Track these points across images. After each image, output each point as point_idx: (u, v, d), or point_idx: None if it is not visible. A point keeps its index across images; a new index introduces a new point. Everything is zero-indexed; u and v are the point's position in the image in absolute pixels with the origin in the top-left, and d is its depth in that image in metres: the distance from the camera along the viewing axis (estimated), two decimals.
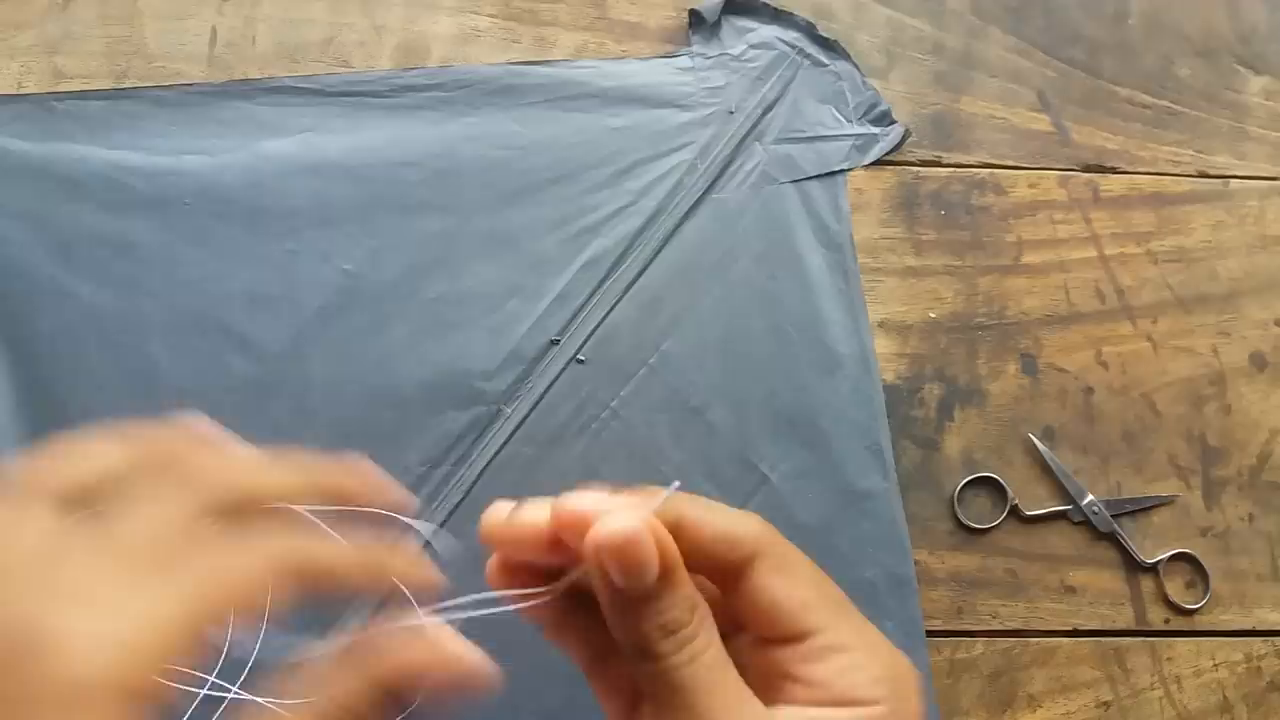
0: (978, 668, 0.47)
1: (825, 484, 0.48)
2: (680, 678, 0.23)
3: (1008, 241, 0.52)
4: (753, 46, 0.54)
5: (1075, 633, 0.49)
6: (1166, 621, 0.49)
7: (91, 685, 0.19)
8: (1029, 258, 0.52)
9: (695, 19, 0.53)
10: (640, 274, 0.50)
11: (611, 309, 0.49)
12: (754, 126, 0.52)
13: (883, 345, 0.50)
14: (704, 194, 0.51)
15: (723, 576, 0.25)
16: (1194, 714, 0.48)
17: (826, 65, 0.54)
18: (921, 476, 0.49)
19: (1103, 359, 0.51)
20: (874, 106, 0.53)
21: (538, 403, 0.48)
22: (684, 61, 0.53)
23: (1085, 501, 0.49)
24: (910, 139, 0.53)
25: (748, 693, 0.23)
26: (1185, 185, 0.54)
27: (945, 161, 0.53)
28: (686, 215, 0.51)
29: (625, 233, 0.50)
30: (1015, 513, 0.49)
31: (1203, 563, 0.49)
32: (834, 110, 0.53)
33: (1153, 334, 0.52)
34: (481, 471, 0.47)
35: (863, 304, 0.50)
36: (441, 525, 0.46)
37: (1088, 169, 0.54)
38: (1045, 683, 0.48)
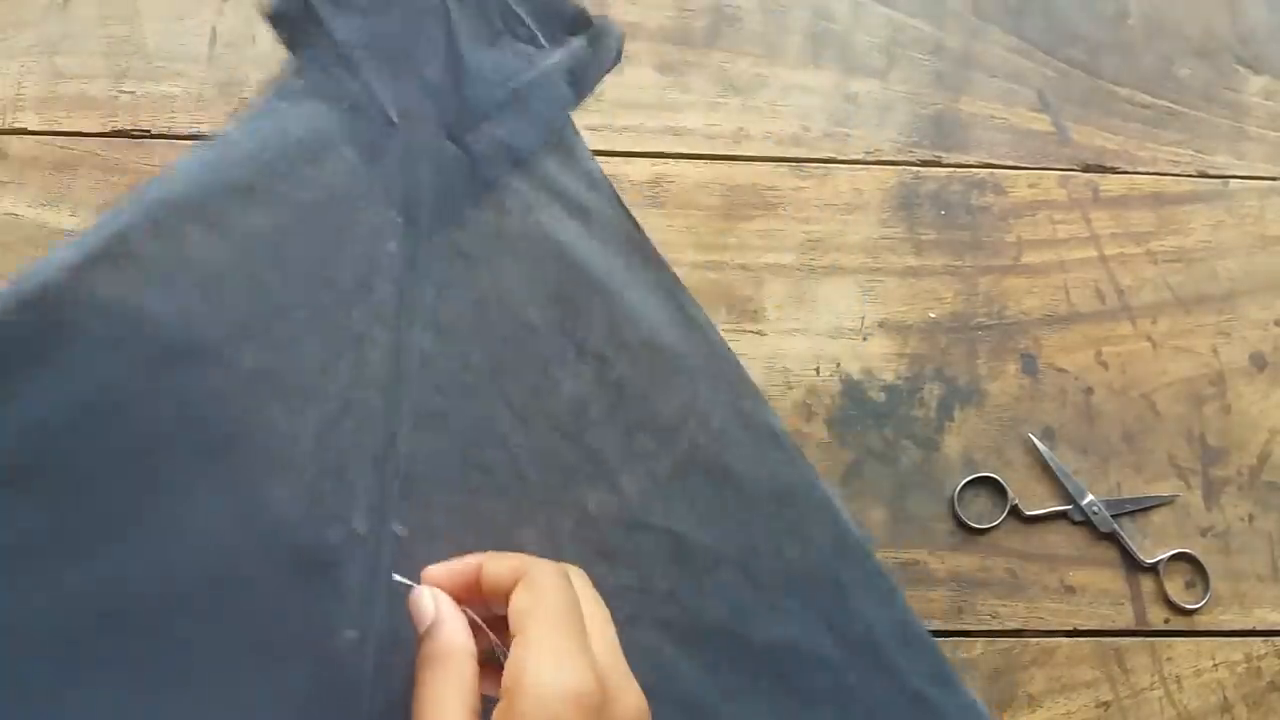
0: (977, 668, 0.47)
1: (868, 684, 0.44)
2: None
3: (1007, 241, 0.52)
4: (365, 14, 0.36)
5: (1075, 633, 0.49)
6: (1166, 621, 0.49)
7: None
8: (1029, 258, 0.52)
9: (277, 22, 0.38)
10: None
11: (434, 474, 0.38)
12: (432, 128, 0.35)
13: (883, 345, 0.50)
14: (429, 259, 0.36)
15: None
16: (1194, 714, 0.48)
17: None
18: (921, 476, 0.49)
19: (1103, 359, 0.51)
20: (558, 12, 0.36)
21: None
22: (297, 84, 0.37)
23: (1085, 501, 0.49)
24: (909, 139, 0.53)
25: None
26: (1185, 185, 0.54)
27: (945, 161, 0.53)
28: (438, 295, 0.36)
29: (375, 363, 0.36)
30: (1015, 513, 0.49)
31: (1203, 563, 0.49)
32: (512, 43, 0.36)
33: (1153, 334, 0.52)
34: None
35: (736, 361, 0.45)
36: None
37: (1088, 169, 0.54)
38: (1045, 683, 0.48)
